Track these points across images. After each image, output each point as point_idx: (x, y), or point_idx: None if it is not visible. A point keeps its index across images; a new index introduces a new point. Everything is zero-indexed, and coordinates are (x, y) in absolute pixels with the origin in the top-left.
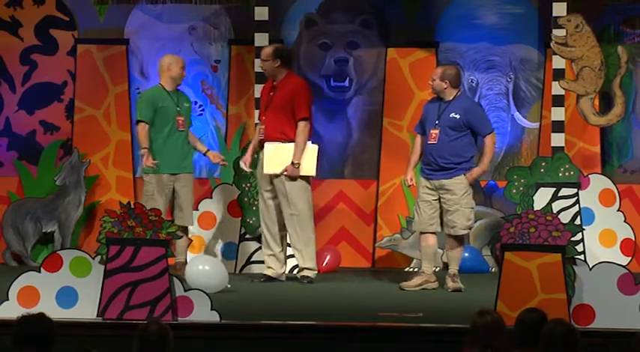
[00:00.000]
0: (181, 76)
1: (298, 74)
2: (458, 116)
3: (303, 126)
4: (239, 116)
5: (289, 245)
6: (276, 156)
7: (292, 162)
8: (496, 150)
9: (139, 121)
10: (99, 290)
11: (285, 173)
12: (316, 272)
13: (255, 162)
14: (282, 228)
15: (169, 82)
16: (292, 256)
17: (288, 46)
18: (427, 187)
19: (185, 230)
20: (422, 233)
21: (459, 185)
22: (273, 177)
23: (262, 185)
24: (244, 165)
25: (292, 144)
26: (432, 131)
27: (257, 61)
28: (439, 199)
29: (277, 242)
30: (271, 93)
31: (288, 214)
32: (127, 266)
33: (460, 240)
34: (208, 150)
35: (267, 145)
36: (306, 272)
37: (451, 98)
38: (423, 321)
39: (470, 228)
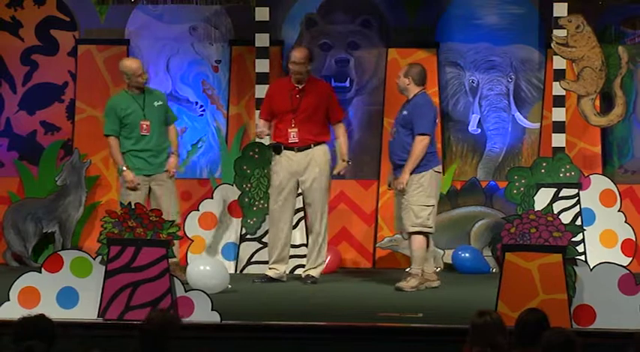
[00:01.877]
0: (140, 83)
1: None
2: (406, 112)
3: (344, 126)
4: (240, 116)
5: (292, 246)
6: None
7: (343, 160)
8: (497, 151)
9: (106, 136)
10: (99, 290)
11: (341, 171)
12: (322, 268)
13: (262, 163)
14: (291, 230)
15: (133, 87)
16: (293, 257)
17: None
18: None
19: None
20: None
21: (410, 182)
22: (298, 178)
23: (288, 187)
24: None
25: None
26: (392, 129)
27: (258, 62)
28: None
29: (286, 244)
30: (298, 96)
31: (320, 212)
32: (127, 267)
33: (418, 239)
34: (173, 153)
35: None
36: (312, 272)
37: (411, 96)
38: (422, 322)
39: (425, 227)
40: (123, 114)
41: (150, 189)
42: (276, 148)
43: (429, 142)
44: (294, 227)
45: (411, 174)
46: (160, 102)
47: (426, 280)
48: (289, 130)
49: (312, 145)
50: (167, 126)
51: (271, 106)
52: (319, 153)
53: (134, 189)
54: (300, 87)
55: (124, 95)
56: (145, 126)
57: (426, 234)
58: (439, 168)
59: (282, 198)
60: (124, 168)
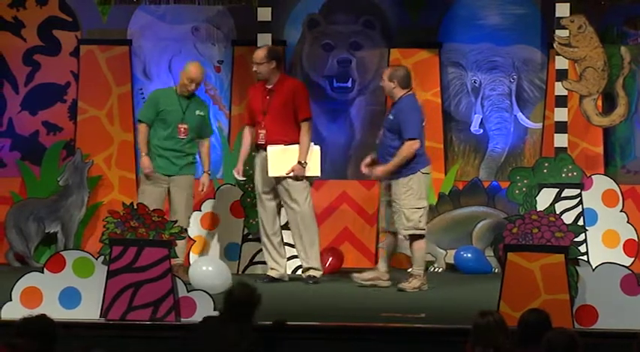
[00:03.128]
0: (183, 86)
1: (298, 75)
2: (392, 117)
3: (307, 127)
4: (242, 117)
5: (291, 245)
6: (281, 159)
7: (299, 162)
8: (499, 151)
9: (139, 121)
10: (102, 290)
11: (293, 173)
12: (321, 272)
13: (250, 166)
14: (279, 230)
15: (180, 87)
16: (295, 257)
17: (276, 46)
18: (384, 187)
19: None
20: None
21: (399, 185)
22: (275, 179)
23: (262, 188)
24: (237, 174)
25: (296, 146)
26: (380, 132)
27: None
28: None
29: (276, 245)
30: (267, 97)
31: (292, 215)
32: (130, 267)
33: (414, 240)
34: (206, 172)
35: (271, 148)
36: (311, 272)
37: (397, 99)
38: (425, 322)
39: (417, 229)
40: (162, 109)
41: (169, 190)
42: (254, 149)
43: (419, 146)
44: None
45: (399, 178)
46: (202, 113)
47: (377, 277)
48: (259, 131)
49: (283, 145)
50: (202, 139)
51: (249, 109)
52: (293, 152)
53: (148, 176)
54: (270, 87)
55: (171, 91)
56: (182, 129)
57: (420, 235)
58: (427, 169)
59: (261, 199)
60: (143, 155)
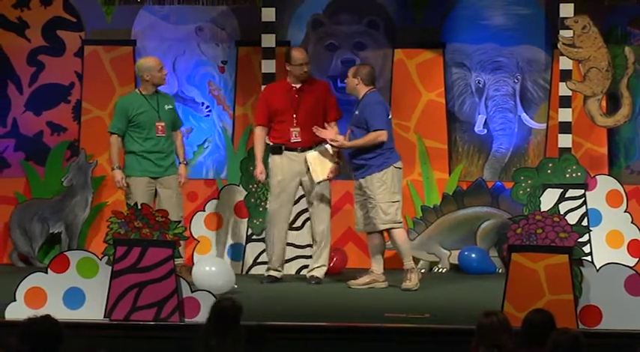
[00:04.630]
0: (162, 78)
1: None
2: (358, 112)
3: (337, 127)
4: (246, 117)
5: (295, 246)
6: (319, 163)
7: (337, 162)
8: (503, 151)
9: (110, 133)
10: (106, 291)
11: (332, 174)
12: (326, 270)
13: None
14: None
15: (148, 87)
16: (298, 257)
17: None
18: (356, 188)
19: None
20: (367, 233)
21: (373, 181)
22: (307, 179)
23: (289, 189)
24: (261, 174)
25: (326, 146)
26: (348, 130)
27: (264, 62)
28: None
29: (282, 246)
30: (296, 96)
31: (322, 213)
32: (134, 267)
33: (397, 234)
34: (182, 163)
35: (309, 154)
36: (315, 272)
37: (361, 96)
38: (429, 322)
39: (395, 222)
40: (134, 114)
41: (156, 191)
42: (276, 149)
43: (387, 138)
44: (300, 228)
45: (373, 173)
46: (170, 106)
47: (374, 280)
48: (291, 129)
49: (313, 145)
50: (174, 131)
51: (270, 109)
52: (326, 154)
53: (121, 189)
54: (298, 86)
55: (136, 95)
56: (160, 127)
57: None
58: (399, 163)
59: (282, 199)
60: (115, 168)
